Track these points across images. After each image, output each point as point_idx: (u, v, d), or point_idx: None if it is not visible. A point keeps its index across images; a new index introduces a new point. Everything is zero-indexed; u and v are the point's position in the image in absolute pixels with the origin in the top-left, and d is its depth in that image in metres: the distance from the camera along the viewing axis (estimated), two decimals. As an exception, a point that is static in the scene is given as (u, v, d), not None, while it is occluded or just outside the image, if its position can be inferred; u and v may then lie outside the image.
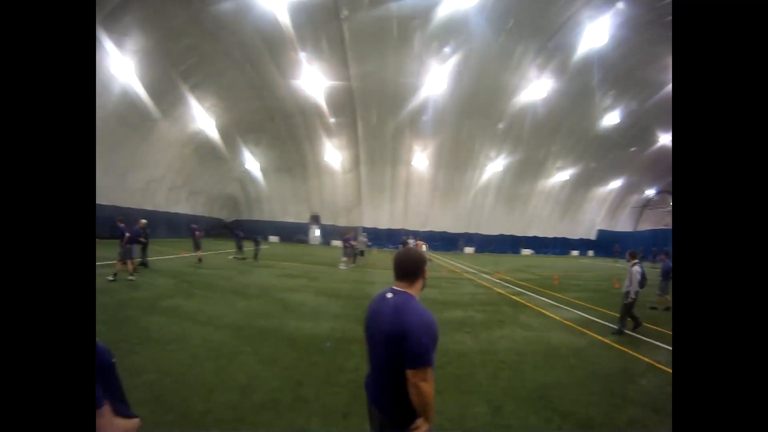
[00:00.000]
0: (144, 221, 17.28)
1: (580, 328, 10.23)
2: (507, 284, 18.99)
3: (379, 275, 19.76)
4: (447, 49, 31.88)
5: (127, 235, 14.15)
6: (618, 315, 10.24)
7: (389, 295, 2.72)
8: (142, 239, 16.62)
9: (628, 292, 10.02)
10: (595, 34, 29.18)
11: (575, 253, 57.73)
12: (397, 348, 2.45)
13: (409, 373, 2.40)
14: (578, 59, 32.41)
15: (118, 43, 26.21)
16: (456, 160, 45.18)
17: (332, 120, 40.89)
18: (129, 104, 30.44)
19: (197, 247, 21.00)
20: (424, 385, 2.40)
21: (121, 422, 1.81)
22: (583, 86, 36.08)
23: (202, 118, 38.36)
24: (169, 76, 31.64)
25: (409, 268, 2.73)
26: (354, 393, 5.41)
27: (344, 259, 23.64)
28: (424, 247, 26.85)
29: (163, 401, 4.98)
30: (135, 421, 1.89)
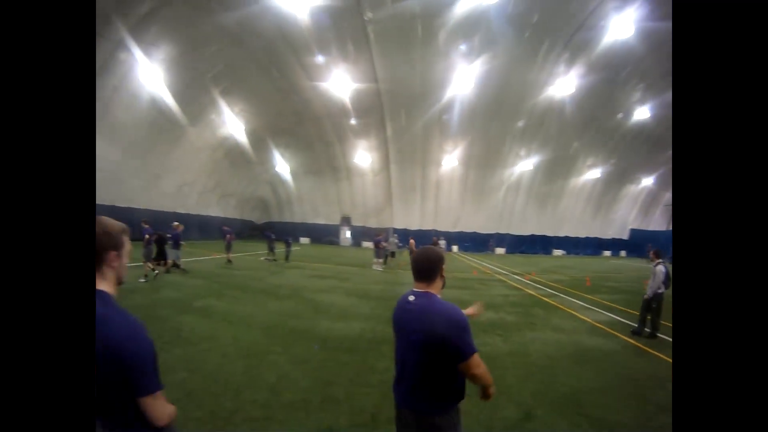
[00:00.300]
0: (177, 224, 17.62)
1: (612, 331, 10.01)
2: (538, 285, 18.77)
3: (410, 276, 19.73)
4: (473, 48, 31.76)
5: (147, 236, 15.01)
6: (649, 318, 10.00)
7: (411, 298, 2.74)
8: (181, 242, 17.15)
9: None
10: (622, 25, 28.62)
11: (607, 253, 56.87)
12: (431, 349, 2.47)
13: (461, 367, 2.47)
14: (606, 52, 31.91)
15: (147, 53, 26.84)
16: (486, 160, 45.06)
17: (360, 121, 41.03)
18: (159, 111, 31.36)
19: (228, 248, 21.25)
20: (477, 370, 2.49)
21: (169, 406, 1.97)
22: (611, 80, 35.52)
23: (232, 123, 39.15)
24: (197, 82, 32.45)
25: (427, 268, 2.73)
26: (384, 393, 5.37)
27: (376, 260, 23.56)
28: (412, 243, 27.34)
29: (193, 398, 5.03)
30: (174, 407, 2.03)
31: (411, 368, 2.65)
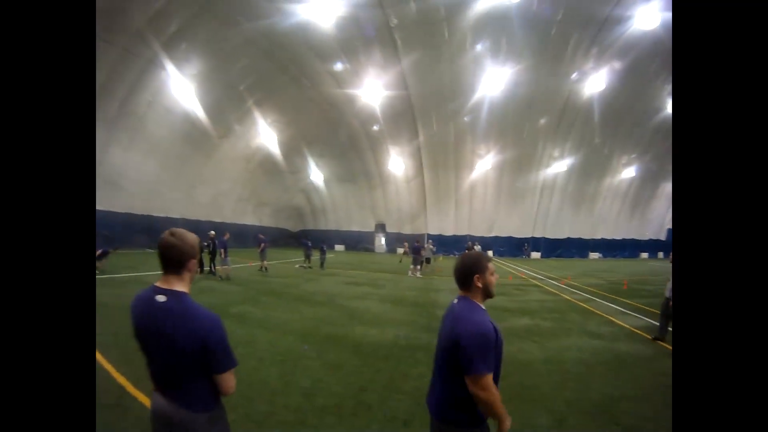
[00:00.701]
0: (213, 233, 18.08)
1: (649, 337, 9.76)
2: (574, 290, 18.50)
3: (445, 283, 19.69)
4: (500, 48, 31.78)
5: None
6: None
7: (455, 301, 2.70)
8: (219, 250, 17.76)
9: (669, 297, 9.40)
10: (647, 16, 28.16)
11: (644, 255, 55.40)
12: (447, 355, 2.47)
13: (467, 381, 2.38)
14: (634, 45, 31.42)
15: (179, 68, 27.77)
16: (519, 162, 44.81)
17: (392, 128, 41.18)
18: (193, 124, 32.29)
19: (263, 256, 21.55)
20: (481, 393, 2.34)
21: (235, 379, 2.44)
22: (641, 74, 34.83)
23: (265, 133, 39.92)
24: (230, 95, 33.36)
25: (460, 274, 2.67)
26: (417, 401, 5.37)
27: (413, 267, 23.18)
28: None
29: (228, 401, 5.06)
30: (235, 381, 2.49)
31: (438, 373, 2.66)
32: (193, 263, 2.39)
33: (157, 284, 2.31)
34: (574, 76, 35.21)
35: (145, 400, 4.98)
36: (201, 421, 2.32)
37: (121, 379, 5.65)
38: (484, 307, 2.61)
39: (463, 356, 2.36)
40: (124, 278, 15.55)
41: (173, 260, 2.29)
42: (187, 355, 2.19)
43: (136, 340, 2.32)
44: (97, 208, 26.14)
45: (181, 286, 2.32)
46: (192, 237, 2.38)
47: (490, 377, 2.36)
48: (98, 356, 6.50)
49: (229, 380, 2.37)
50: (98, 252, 16.86)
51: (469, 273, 2.63)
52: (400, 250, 43.23)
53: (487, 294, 2.65)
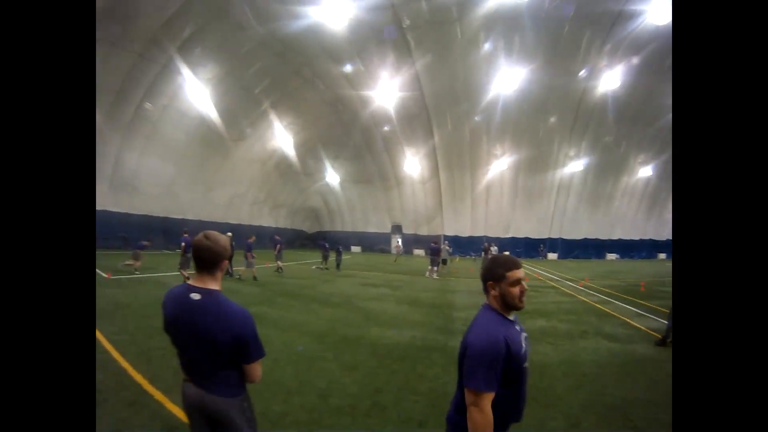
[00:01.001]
0: (231, 234, 18.22)
1: (667, 339, 9.67)
2: (591, 292, 18.34)
3: (463, 284, 19.68)
4: (513, 47, 31.68)
5: (183, 245, 15.88)
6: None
7: (481, 305, 2.57)
8: (247, 253, 18.33)
9: None
10: (661, 10, 27.69)
11: (662, 255, 54.32)
12: (459, 359, 2.41)
13: (465, 390, 2.27)
14: (647, 41, 30.99)
15: (194, 72, 28.20)
16: (535, 162, 44.56)
17: (407, 129, 41.17)
18: (209, 127, 32.72)
19: (278, 257, 21.71)
20: (473, 409, 2.19)
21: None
22: (656, 70, 34.13)
23: (281, 136, 40.14)
24: (246, 98, 33.73)
25: (481, 278, 2.56)
26: (432, 402, 5.37)
27: (431, 268, 23.05)
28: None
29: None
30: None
31: (458, 379, 2.52)
32: (225, 263, 2.60)
33: (191, 282, 2.52)
34: (582, 72, 34.90)
35: (162, 398, 5.05)
36: (234, 404, 2.54)
37: (138, 377, 5.72)
38: (510, 318, 2.46)
39: (466, 366, 2.28)
40: (143, 279, 15.70)
41: (207, 261, 2.49)
42: (221, 348, 2.38)
43: (167, 334, 2.54)
44: (114, 210, 26.65)
45: (214, 285, 2.53)
46: (224, 239, 2.57)
47: (487, 397, 2.20)
48: (117, 356, 6.59)
49: (257, 369, 2.59)
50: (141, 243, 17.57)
51: (483, 280, 2.54)
52: (417, 252, 43.44)
53: (506, 305, 2.43)
